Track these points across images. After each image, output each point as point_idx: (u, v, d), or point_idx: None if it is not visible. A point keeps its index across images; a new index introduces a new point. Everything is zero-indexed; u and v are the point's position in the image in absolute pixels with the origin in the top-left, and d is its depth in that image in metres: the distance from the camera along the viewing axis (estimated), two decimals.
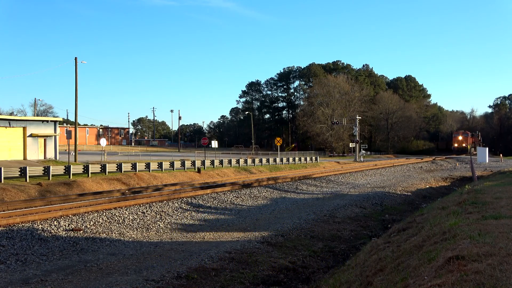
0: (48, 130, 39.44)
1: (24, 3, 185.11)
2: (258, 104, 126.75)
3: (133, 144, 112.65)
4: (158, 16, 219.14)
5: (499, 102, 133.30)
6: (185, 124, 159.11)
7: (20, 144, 37.39)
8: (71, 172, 27.68)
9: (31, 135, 37.77)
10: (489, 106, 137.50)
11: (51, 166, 27.04)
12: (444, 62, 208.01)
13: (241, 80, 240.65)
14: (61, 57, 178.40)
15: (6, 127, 36.40)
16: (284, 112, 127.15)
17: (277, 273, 10.12)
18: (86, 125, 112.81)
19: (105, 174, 29.57)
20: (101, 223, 14.69)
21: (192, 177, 33.45)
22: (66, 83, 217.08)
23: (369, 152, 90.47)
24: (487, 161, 59.61)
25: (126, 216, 15.88)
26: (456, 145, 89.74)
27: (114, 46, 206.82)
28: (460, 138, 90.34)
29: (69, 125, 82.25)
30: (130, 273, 9.54)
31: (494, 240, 6.56)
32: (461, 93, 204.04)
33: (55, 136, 39.85)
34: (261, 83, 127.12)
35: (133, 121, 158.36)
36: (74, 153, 39.24)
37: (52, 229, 13.36)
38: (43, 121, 40.25)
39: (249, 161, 44.53)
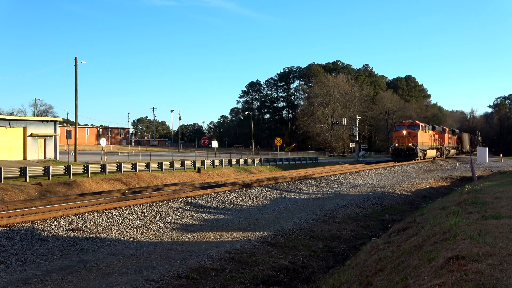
0: (48, 130, 39.43)
1: (24, 4, 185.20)
2: (258, 104, 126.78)
3: (133, 144, 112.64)
4: (158, 16, 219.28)
5: (499, 102, 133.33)
6: (185, 124, 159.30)
7: (20, 144, 37.38)
8: (71, 172, 27.68)
9: (31, 135, 37.76)
10: (489, 106, 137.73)
11: (51, 166, 27.04)
12: (444, 62, 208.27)
13: (241, 80, 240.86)
14: (61, 57, 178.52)
15: (6, 127, 36.39)
16: (284, 112, 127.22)
17: (277, 273, 10.12)
18: (86, 125, 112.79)
19: (105, 174, 29.57)
20: (101, 223, 14.69)
21: (192, 177, 33.44)
22: (66, 83, 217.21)
23: (369, 152, 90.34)
24: (487, 161, 59.56)
25: (126, 216, 15.88)
26: (396, 144, 53.50)
27: (114, 46, 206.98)
28: (404, 133, 52.63)
29: (69, 125, 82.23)
30: (130, 273, 9.54)
31: (494, 240, 6.55)
32: (461, 93, 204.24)
33: (55, 136, 39.84)
34: (261, 83, 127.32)
35: (133, 121, 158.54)
36: (74, 153, 39.24)
37: (52, 229, 13.36)
38: (43, 121, 40.23)
39: (249, 161, 44.55)
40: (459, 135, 77.21)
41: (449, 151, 67.64)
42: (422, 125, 55.01)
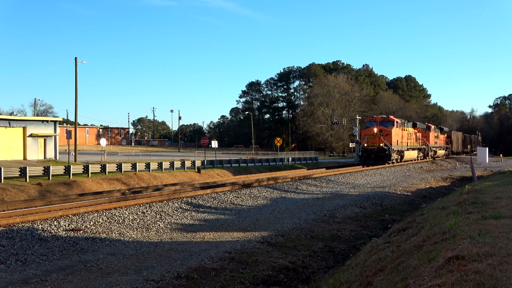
0: (48, 130, 39.42)
1: (24, 4, 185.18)
2: (258, 104, 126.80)
3: (133, 144, 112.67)
4: (158, 16, 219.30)
5: (499, 102, 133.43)
6: (185, 124, 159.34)
7: (20, 144, 37.38)
8: (71, 172, 27.68)
9: (31, 135, 37.76)
10: (489, 106, 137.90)
11: (51, 166, 27.03)
12: (444, 62, 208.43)
13: (241, 80, 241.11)
14: (61, 57, 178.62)
15: (6, 127, 36.39)
16: (284, 112, 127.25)
17: (277, 273, 10.12)
18: (86, 125, 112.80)
19: (105, 174, 29.56)
20: (101, 223, 14.69)
21: (192, 177, 33.44)
22: (66, 83, 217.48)
23: None
24: (487, 161, 59.50)
25: (126, 216, 15.87)
26: (365, 144, 44.45)
27: (114, 46, 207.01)
28: (374, 130, 43.99)
29: (69, 125, 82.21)
30: (130, 273, 9.54)
31: (494, 240, 6.56)
32: (461, 93, 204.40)
33: (55, 136, 39.84)
34: (261, 83, 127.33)
35: (133, 121, 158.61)
36: (74, 153, 39.24)
37: (52, 229, 13.35)
38: (43, 121, 40.24)
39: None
40: (448, 133, 70.18)
41: (435, 152, 60.52)
42: (398, 121, 46.62)
